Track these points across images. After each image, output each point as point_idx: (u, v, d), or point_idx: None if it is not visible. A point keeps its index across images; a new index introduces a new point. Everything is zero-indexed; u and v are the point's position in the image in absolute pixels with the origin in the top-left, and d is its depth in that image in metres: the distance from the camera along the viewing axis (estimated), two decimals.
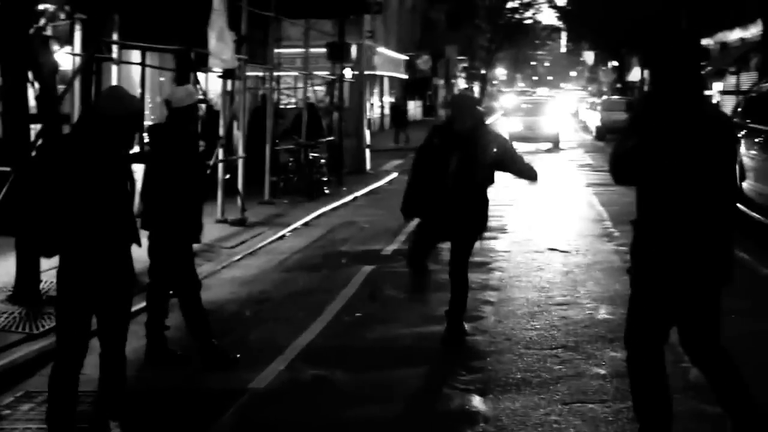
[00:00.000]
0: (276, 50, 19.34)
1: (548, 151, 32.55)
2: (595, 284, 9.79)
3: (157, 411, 6.17)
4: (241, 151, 14.73)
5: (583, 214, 15.53)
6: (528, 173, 7.70)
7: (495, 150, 7.41)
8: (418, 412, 6.13)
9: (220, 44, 12.77)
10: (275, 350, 7.50)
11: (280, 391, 6.54)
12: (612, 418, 5.70)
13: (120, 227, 5.10)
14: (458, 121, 7.45)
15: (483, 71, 66.15)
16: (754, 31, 37.31)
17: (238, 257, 11.92)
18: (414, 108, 53.26)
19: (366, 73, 26.92)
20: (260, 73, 21.99)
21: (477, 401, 6.17)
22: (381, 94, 40.88)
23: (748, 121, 13.82)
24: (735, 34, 41.14)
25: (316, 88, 26.99)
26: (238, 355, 7.12)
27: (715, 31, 45.50)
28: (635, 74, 63.65)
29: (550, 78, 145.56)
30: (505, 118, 38.39)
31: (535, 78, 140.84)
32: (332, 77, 22.40)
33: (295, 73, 23.56)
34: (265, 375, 6.87)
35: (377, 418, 5.99)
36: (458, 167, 7.32)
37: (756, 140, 13.11)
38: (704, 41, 47.59)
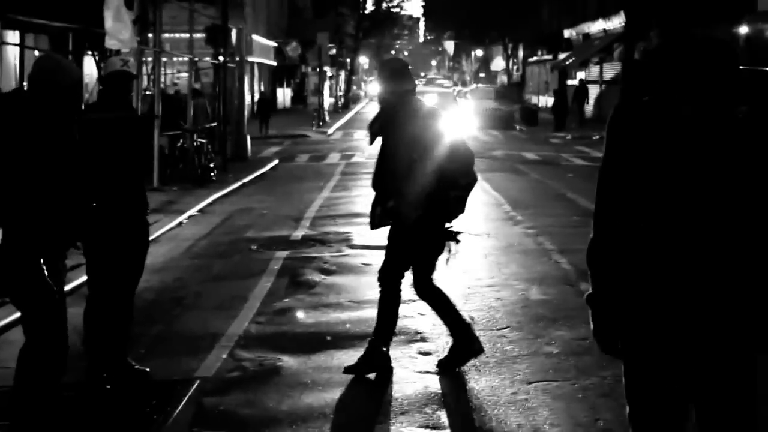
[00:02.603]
0: (149, 34, 18.84)
1: None
2: (518, 266, 9.85)
3: (111, 405, 5.83)
4: None
5: (482, 199, 15.64)
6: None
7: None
8: (381, 396, 5.97)
9: (118, 24, 12.29)
10: (211, 339, 7.23)
11: (231, 379, 6.29)
12: (581, 395, 5.71)
13: None
14: (380, 94, 6.45)
15: (348, 59, 66.18)
16: (616, 22, 38.52)
17: None
18: (283, 95, 52.85)
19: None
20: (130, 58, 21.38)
21: (439, 383, 6.08)
22: (252, 81, 40.31)
23: None
24: (598, 26, 42.36)
25: (182, 74, 26.49)
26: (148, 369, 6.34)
27: (577, 23, 46.78)
28: (498, 64, 65.01)
29: (410, 67, 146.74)
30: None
31: None
32: (215, 62, 21.97)
33: (164, 59, 22.99)
34: (209, 363, 6.61)
35: (342, 402, 5.83)
36: (385, 152, 6.30)
37: None
38: (567, 32, 48.98)
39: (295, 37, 49.31)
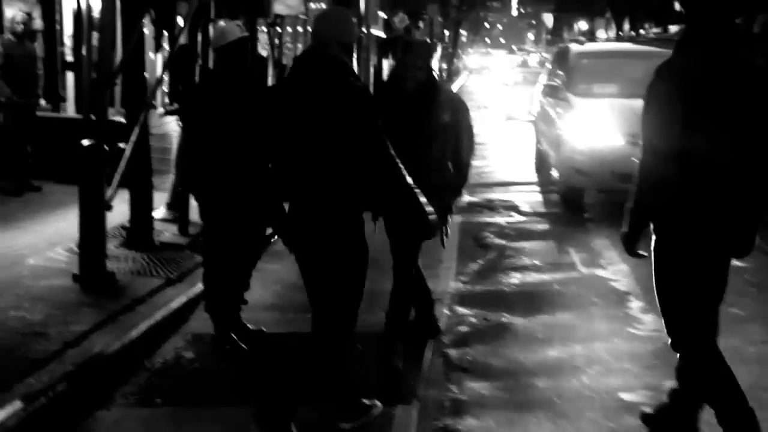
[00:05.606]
0: None
1: None
2: None
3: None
4: None
5: None
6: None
7: None
8: (620, 352, 6.16)
9: None
10: None
11: (465, 333, 6.56)
12: None
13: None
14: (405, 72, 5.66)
15: (449, 32, 66.11)
16: None
17: None
18: (387, 68, 53.06)
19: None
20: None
21: None
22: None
23: None
24: None
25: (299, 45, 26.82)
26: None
27: None
28: (601, 37, 64.14)
29: (503, 41, 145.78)
30: (568, 103, 12.17)
31: (487, 40, 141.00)
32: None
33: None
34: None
35: (587, 356, 6.06)
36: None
37: None
38: (677, 4, 48.06)
39: (402, 8, 49.39)
